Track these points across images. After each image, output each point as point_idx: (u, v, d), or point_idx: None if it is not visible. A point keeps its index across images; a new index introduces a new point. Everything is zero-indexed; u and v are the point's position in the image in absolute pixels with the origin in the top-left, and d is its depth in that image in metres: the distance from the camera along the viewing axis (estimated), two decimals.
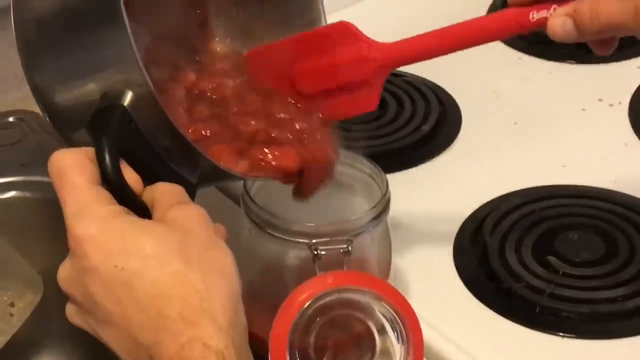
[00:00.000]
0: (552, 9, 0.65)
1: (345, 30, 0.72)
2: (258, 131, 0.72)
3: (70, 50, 0.65)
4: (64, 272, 0.59)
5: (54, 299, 0.89)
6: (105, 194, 0.59)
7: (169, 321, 0.54)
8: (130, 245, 0.56)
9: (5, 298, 0.84)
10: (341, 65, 0.72)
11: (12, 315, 0.84)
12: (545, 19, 0.65)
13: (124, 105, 0.62)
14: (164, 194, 0.62)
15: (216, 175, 0.68)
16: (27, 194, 0.95)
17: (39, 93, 0.68)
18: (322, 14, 0.78)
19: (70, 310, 0.61)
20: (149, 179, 0.63)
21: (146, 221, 0.59)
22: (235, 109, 0.73)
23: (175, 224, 0.58)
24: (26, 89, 1.06)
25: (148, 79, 0.61)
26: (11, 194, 0.95)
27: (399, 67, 0.73)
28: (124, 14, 0.60)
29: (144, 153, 0.63)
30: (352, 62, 0.72)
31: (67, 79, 0.66)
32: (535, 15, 0.66)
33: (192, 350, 0.53)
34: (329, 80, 0.73)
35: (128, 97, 0.62)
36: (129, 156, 0.62)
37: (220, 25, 0.80)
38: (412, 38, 0.71)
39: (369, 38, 0.71)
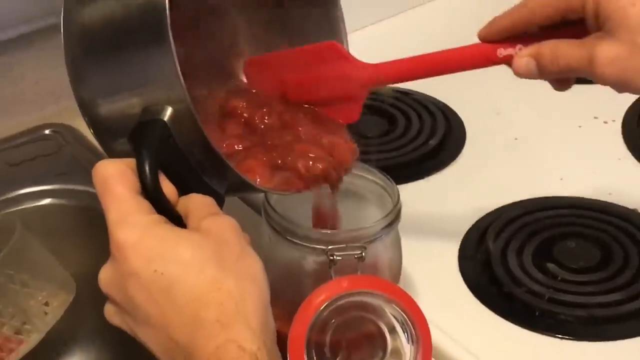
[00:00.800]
0: (517, 48, 0.67)
1: (335, 50, 0.74)
2: (290, 144, 0.72)
3: (115, 66, 0.64)
4: (106, 275, 0.59)
5: (86, 299, 0.89)
6: (145, 204, 0.59)
7: (205, 324, 0.54)
8: (169, 252, 0.56)
9: (40, 298, 0.84)
10: (328, 79, 0.74)
11: (46, 314, 0.84)
12: (511, 56, 0.67)
13: (164, 121, 0.61)
14: (197, 205, 0.62)
15: (242, 188, 0.68)
16: (63, 201, 0.95)
17: (83, 104, 0.67)
18: (344, 37, 0.78)
19: (109, 310, 0.61)
20: (182, 190, 0.63)
21: (183, 230, 0.59)
22: (264, 124, 0.73)
23: (210, 233, 0.58)
24: (62, 104, 1.07)
25: (188, 96, 0.60)
26: (47, 201, 0.95)
27: (379, 86, 0.77)
28: (170, 36, 0.59)
29: (180, 166, 0.63)
30: (338, 78, 0.73)
31: (111, 92, 0.66)
32: (502, 52, 0.68)
33: (228, 351, 0.53)
34: (317, 92, 0.75)
35: (168, 112, 0.62)
36: (166, 168, 0.62)
37: (248, 44, 0.80)
38: (393, 62, 0.73)
39: (354, 58, 0.73)
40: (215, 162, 0.63)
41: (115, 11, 0.65)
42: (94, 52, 0.65)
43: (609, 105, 1.07)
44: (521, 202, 0.93)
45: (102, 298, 0.94)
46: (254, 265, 0.59)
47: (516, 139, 1.03)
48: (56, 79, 1.05)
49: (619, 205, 0.92)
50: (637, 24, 0.62)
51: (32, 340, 0.82)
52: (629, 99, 1.08)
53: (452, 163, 1.00)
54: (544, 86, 1.10)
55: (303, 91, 0.75)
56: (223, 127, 0.73)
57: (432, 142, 1.02)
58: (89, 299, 0.92)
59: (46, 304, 0.84)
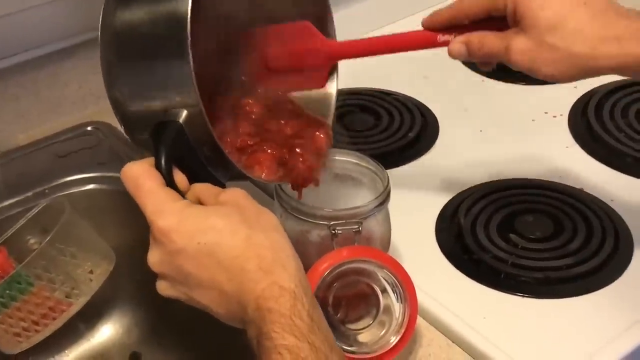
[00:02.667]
0: (453, 35, 0.71)
1: (308, 28, 0.76)
2: (289, 138, 0.71)
3: (141, 72, 0.64)
4: (154, 258, 0.60)
5: (124, 268, 0.89)
6: (173, 192, 0.60)
7: (250, 273, 0.56)
8: (205, 225, 0.57)
9: (86, 267, 0.83)
10: (301, 52, 0.77)
11: (91, 280, 0.83)
12: (448, 41, 0.71)
13: (180, 122, 0.61)
14: (204, 189, 0.62)
15: (242, 177, 0.68)
16: (104, 187, 0.95)
17: (115, 103, 0.67)
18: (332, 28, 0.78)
19: (162, 285, 0.61)
20: (191, 179, 0.63)
21: (208, 206, 0.60)
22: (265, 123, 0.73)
23: (228, 203, 0.59)
24: (101, 104, 1.05)
25: (201, 103, 0.60)
26: (91, 186, 0.95)
27: (341, 59, 0.78)
28: (190, 51, 0.59)
29: (191, 159, 0.63)
30: (309, 50, 0.76)
31: (137, 94, 0.65)
32: (441, 38, 0.72)
33: (271, 291, 0.55)
34: (292, 62, 0.77)
35: (184, 115, 0.61)
36: (179, 161, 0.62)
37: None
38: (354, 40, 0.77)
39: (323, 36, 0.76)
40: (221, 158, 0.63)
41: (143, 23, 0.64)
42: (125, 58, 0.65)
43: (557, 102, 1.07)
44: (487, 183, 0.92)
45: (137, 267, 0.93)
46: (273, 219, 0.60)
47: (481, 131, 1.03)
48: (95, 84, 1.06)
49: (568, 185, 0.92)
50: (544, 25, 0.65)
51: (79, 302, 0.82)
52: (573, 96, 1.08)
53: (428, 152, 0.99)
54: (503, 88, 1.11)
55: (280, 61, 0.77)
56: (237, 125, 0.72)
57: (411, 135, 1.01)
58: (127, 267, 0.92)
59: (91, 272, 0.83)
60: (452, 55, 0.71)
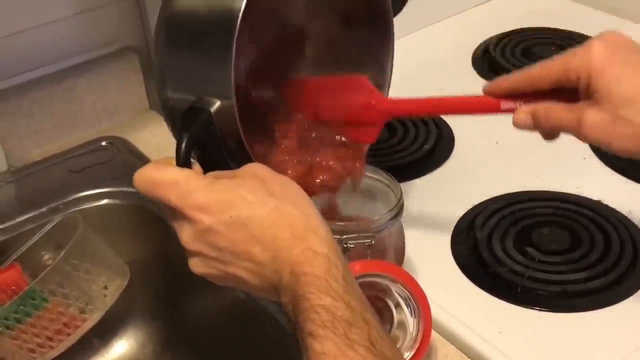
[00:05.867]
0: (517, 104, 0.69)
1: (363, 83, 0.75)
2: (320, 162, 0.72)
3: (186, 56, 0.65)
4: (188, 236, 0.60)
5: (138, 283, 0.89)
6: (193, 172, 0.60)
7: (283, 241, 0.57)
8: (234, 199, 0.58)
9: (100, 282, 0.84)
10: (354, 107, 0.76)
11: (105, 296, 0.84)
12: (513, 109, 0.70)
13: (210, 111, 0.62)
14: (221, 171, 0.63)
15: None
16: (117, 201, 0.95)
17: (159, 85, 0.67)
18: (389, 71, 0.79)
19: (194, 262, 0.61)
20: (207, 167, 0.63)
21: (235, 179, 0.60)
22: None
23: (251, 176, 0.60)
24: (115, 120, 1.07)
25: (234, 97, 0.61)
26: (105, 201, 0.95)
27: (395, 117, 0.78)
28: (234, 45, 0.60)
29: (214, 150, 0.64)
30: (362, 107, 0.75)
31: (182, 81, 0.66)
32: (504, 105, 0.70)
33: (306, 256, 0.56)
34: (343, 115, 0.76)
35: (216, 105, 0.62)
36: (202, 148, 0.63)
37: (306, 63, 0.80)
38: (408, 99, 0.75)
39: (378, 93, 0.75)
40: (244, 154, 0.64)
41: (200, 9, 0.65)
42: (174, 41, 0.66)
43: None
44: (503, 195, 0.92)
45: (151, 282, 0.95)
46: (297, 188, 0.61)
47: (497, 142, 1.02)
48: (110, 99, 1.07)
49: (585, 197, 0.91)
50: (619, 99, 0.63)
51: (94, 318, 0.82)
52: None
53: (443, 164, 0.99)
54: None
55: (332, 114, 0.76)
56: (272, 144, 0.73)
57: (426, 147, 1.01)
58: (141, 283, 0.93)
59: (105, 287, 0.84)
60: (516, 125, 0.70)
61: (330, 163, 0.73)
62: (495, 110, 0.70)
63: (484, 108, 0.71)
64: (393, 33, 0.78)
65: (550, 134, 0.71)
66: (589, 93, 0.65)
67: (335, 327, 0.52)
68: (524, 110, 0.69)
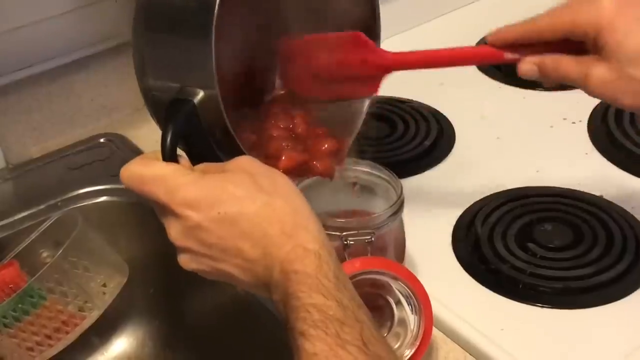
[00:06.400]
0: (521, 56, 0.69)
1: (360, 38, 0.73)
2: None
3: (166, 44, 0.64)
4: (176, 232, 0.59)
5: (137, 281, 0.89)
6: (180, 167, 0.59)
7: (273, 238, 0.56)
8: (223, 194, 0.57)
9: (99, 280, 0.84)
10: (353, 62, 0.74)
11: (104, 293, 0.84)
12: (517, 59, 0.69)
13: (193, 102, 0.61)
14: (209, 164, 0.62)
15: None
16: (116, 199, 0.95)
17: (139, 74, 0.67)
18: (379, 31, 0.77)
19: (184, 259, 0.60)
20: (197, 160, 0.62)
21: (223, 174, 0.59)
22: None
23: (239, 170, 0.59)
24: (113, 117, 1.07)
25: (217, 86, 0.61)
26: (103, 198, 0.95)
27: (396, 71, 0.74)
28: (213, 30, 0.59)
29: (200, 141, 0.63)
30: (362, 61, 0.73)
31: (162, 70, 0.65)
32: (509, 55, 0.69)
33: (296, 254, 0.55)
34: (343, 71, 0.74)
35: (199, 96, 0.62)
36: (187, 140, 0.62)
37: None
38: (410, 52, 0.73)
39: (375, 46, 0.74)
40: (232, 144, 0.63)
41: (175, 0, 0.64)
42: (152, 27, 0.65)
43: (576, 107, 1.06)
44: (504, 191, 0.91)
45: (150, 280, 0.95)
46: (287, 182, 0.60)
47: (498, 138, 1.02)
48: (108, 96, 1.06)
49: (587, 193, 0.91)
50: (626, 56, 0.63)
51: (92, 316, 0.82)
52: (592, 102, 1.07)
53: (444, 160, 0.99)
54: (520, 94, 1.11)
55: (331, 70, 0.75)
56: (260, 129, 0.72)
57: (427, 143, 1.00)
58: (140, 280, 0.93)
59: (104, 285, 0.84)
60: (522, 74, 0.69)
61: (324, 147, 0.72)
62: (499, 60, 0.70)
63: (488, 58, 0.71)
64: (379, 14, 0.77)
65: (553, 82, 0.71)
66: (597, 48, 0.65)
67: (326, 326, 0.52)
68: (530, 60, 0.68)
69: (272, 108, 0.74)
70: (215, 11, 0.59)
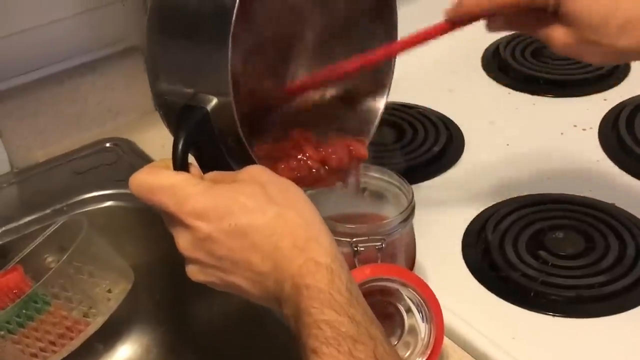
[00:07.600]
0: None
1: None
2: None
3: (182, 56, 0.63)
4: (185, 243, 0.58)
5: (143, 286, 0.88)
6: (191, 176, 0.58)
7: (284, 251, 0.54)
8: (233, 206, 0.56)
9: (104, 286, 0.83)
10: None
11: (109, 299, 0.83)
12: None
13: (206, 109, 0.60)
14: (220, 173, 0.61)
15: None
16: (122, 204, 0.94)
17: (152, 80, 0.65)
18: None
19: (192, 270, 0.59)
20: (208, 168, 0.61)
21: (234, 184, 0.58)
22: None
23: (250, 181, 0.58)
24: (120, 121, 1.06)
25: (232, 94, 0.59)
26: (109, 203, 0.94)
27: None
28: (230, 40, 0.58)
29: (212, 148, 0.62)
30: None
31: (175, 75, 0.64)
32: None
33: (308, 268, 0.54)
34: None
35: (213, 103, 0.60)
36: (199, 147, 0.61)
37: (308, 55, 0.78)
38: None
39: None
40: (243, 151, 0.62)
41: (190, 4, 0.63)
42: (167, 32, 0.64)
43: (587, 114, 1.05)
44: (515, 198, 0.91)
45: (156, 286, 0.94)
46: (299, 193, 0.58)
47: (508, 144, 1.01)
48: (115, 100, 1.06)
49: (599, 200, 0.90)
50: (587, 25, 0.64)
51: (97, 322, 0.81)
52: (603, 109, 1.06)
53: (453, 166, 0.98)
54: (530, 101, 1.10)
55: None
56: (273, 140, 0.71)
57: (436, 149, 1.00)
58: (145, 286, 0.92)
59: (109, 291, 0.83)
60: (489, 30, 0.70)
61: (334, 154, 0.71)
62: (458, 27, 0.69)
63: (445, 32, 0.70)
64: (396, 21, 0.76)
65: (494, 26, 0.71)
66: (558, 16, 0.66)
67: (339, 344, 0.51)
68: (497, 19, 0.69)
69: (285, 117, 0.73)
70: (234, 17, 0.58)
